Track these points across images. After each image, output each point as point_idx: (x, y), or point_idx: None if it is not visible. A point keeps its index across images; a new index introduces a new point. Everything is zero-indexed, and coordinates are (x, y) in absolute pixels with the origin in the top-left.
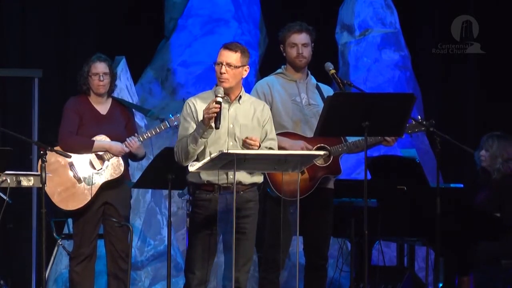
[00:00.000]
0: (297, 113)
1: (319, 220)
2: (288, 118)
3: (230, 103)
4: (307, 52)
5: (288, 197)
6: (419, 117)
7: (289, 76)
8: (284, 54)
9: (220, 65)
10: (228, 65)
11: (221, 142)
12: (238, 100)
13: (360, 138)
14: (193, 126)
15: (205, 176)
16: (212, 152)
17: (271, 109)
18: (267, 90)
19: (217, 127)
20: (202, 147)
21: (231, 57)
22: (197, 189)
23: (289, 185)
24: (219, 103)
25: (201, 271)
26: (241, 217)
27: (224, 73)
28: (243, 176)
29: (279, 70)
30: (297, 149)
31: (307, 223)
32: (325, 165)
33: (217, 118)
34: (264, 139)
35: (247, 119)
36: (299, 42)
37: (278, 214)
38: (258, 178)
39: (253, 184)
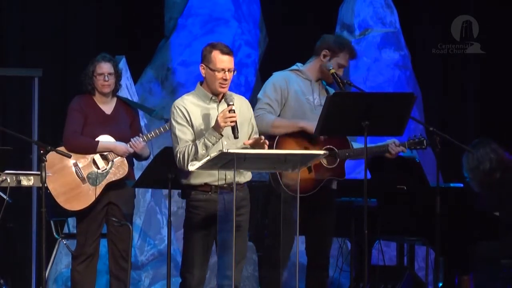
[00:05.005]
0: (308, 113)
1: (323, 220)
2: (302, 117)
3: (217, 103)
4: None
5: (294, 194)
6: (420, 134)
7: (305, 75)
8: (323, 59)
9: (224, 71)
10: (230, 70)
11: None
12: (223, 99)
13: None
14: (190, 130)
15: (202, 178)
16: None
17: (285, 105)
18: (284, 85)
19: (236, 137)
20: None
21: (232, 61)
22: (193, 190)
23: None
24: (234, 110)
25: (200, 271)
26: (237, 215)
27: (229, 78)
28: (239, 176)
29: (294, 67)
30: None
31: (310, 222)
32: (331, 166)
33: (235, 126)
34: (252, 132)
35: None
36: (346, 66)
37: (280, 212)
38: (250, 176)
39: (246, 183)
